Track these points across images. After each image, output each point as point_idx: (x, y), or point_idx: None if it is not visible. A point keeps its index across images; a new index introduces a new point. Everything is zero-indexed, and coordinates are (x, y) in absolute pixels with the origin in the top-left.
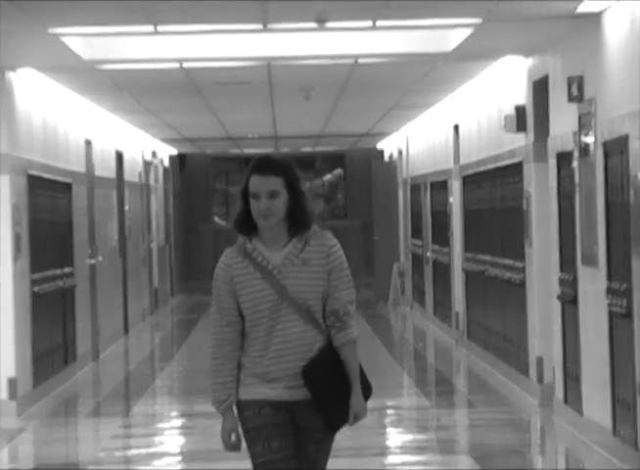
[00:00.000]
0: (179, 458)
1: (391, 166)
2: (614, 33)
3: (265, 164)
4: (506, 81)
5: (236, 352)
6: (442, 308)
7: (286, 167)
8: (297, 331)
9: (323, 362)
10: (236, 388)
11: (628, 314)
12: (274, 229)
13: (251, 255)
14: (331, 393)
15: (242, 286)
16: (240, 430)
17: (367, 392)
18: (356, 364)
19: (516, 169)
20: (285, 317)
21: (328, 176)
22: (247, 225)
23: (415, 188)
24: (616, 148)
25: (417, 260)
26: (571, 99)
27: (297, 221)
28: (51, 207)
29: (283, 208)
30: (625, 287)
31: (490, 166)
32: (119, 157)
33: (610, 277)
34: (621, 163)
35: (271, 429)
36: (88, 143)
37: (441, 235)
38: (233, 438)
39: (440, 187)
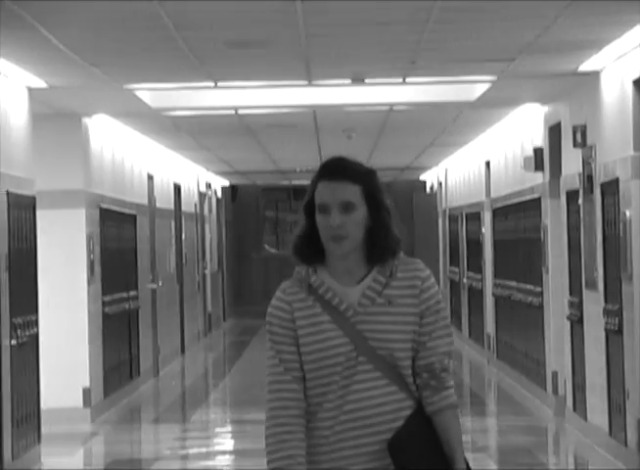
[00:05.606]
0: (233, 456)
1: (432, 198)
2: (609, 89)
3: (337, 167)
4: (526, 125)
5: (304, 418)
6: (476, 331)
7: (365, 173)
8: (379, 394)
9: (415, 434)
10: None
11: (620, 331)
12: (348, 257)
13: (318, 290)
14: None
15: (305, 332)
16: None
17: None
18: (459, 436)
19: (535, 204)
20: (362, 375)
21: None
22: (310, 250)
23: (453, 219)
24: (610, 189)
25: (454, 286)
26: (575, 145)
27: (379, 246)
28: (118, 236)
29: (361, 227)
30: (617, 308)
31: (515, 201)
32: (177, 189)
33: (606, 299)
34: (614, 201)
35: None
36: (150, 178)
37: (475, 263)
38: None
39: (474, 218)
